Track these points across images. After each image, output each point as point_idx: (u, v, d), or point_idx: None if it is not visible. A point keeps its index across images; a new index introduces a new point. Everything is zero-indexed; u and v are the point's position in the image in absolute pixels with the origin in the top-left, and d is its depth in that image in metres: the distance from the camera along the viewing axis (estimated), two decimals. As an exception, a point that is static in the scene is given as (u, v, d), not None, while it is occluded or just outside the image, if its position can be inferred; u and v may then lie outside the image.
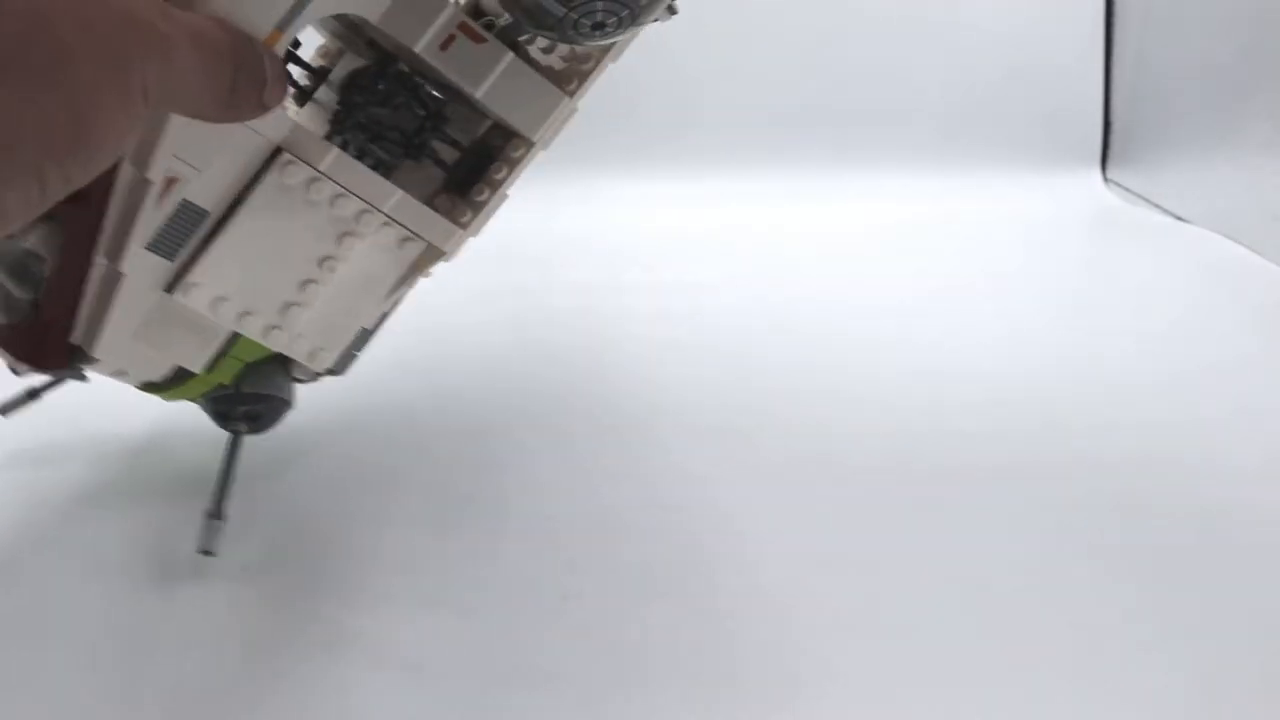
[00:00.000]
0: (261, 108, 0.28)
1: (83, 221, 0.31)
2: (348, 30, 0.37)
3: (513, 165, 0.37)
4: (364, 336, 0.39)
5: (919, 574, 0.41)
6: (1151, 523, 0.45)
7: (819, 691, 0.35)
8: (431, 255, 0.37)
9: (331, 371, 0.39)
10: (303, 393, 0.41)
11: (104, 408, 0.43)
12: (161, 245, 0.32)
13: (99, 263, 0.32)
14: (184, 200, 0.31)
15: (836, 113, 0.89)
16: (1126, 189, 0.90)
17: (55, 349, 0.34)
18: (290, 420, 0.41)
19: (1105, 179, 0.92)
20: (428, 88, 0.35)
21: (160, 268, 0.32)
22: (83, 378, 0.36)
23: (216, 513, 0.38)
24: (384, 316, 0.39)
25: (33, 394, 0.44)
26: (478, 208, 0.37)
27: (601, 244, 0.74)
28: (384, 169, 0.36)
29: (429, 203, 0.36)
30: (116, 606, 0.37)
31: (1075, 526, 0.45)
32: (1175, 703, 0.35)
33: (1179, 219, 0.83)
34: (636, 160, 0.84)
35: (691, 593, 0.40)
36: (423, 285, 0.39)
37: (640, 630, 0.37)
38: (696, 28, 0.85)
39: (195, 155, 0.31)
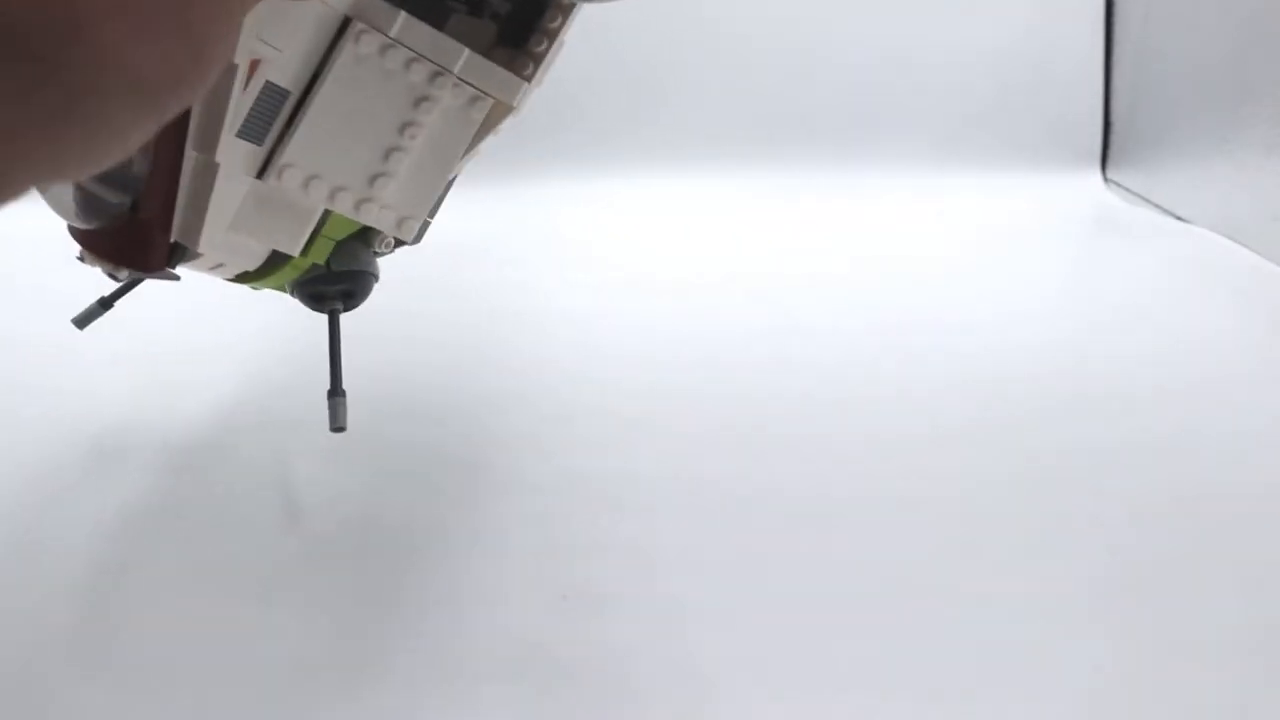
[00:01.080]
0: None
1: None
2: None
3: (566, 12, 0.37)
4: (438, 204, 0.39)
5: (916, 580, 0.41)
6: (1153, 527, 0.45)
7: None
8: (499, 112, 0.37)
9: (410, 241, 0.40)
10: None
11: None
12: (250, 130, 0.32)
13: (191, 155, 0.32)
14: (267, 82, 0.32)
15: (834, 112, 0.89)
16: (1126, 189, 0.90)
17: (158, 248, 0.34)
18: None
19: (1105, 179, 0.92)
20: None
21: (251, 153, 0.33)
22: (175, 278, 0.36)
23: (336, 390, 0.40)
24: (450, 184, 0.39)
25: (105, 304, 0.44)
26: (538, 58, 0.37)
27: (571, 243, 0.74)
28: (446, 28, 0.36)
29: (489, 58, 0.36)
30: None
31: (1077, 531, 0.45)
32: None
33: (1179, 219, 0.83)
34: (638, 157, 0.84)
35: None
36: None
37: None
38: (689, 22, 0.85)
39: (276, 35, 0.31)
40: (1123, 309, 0.70)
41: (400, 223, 0.38)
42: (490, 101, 0.36)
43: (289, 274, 0.38)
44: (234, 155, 0.32)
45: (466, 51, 0.35)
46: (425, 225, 0.39)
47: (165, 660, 0.36)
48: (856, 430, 0.52)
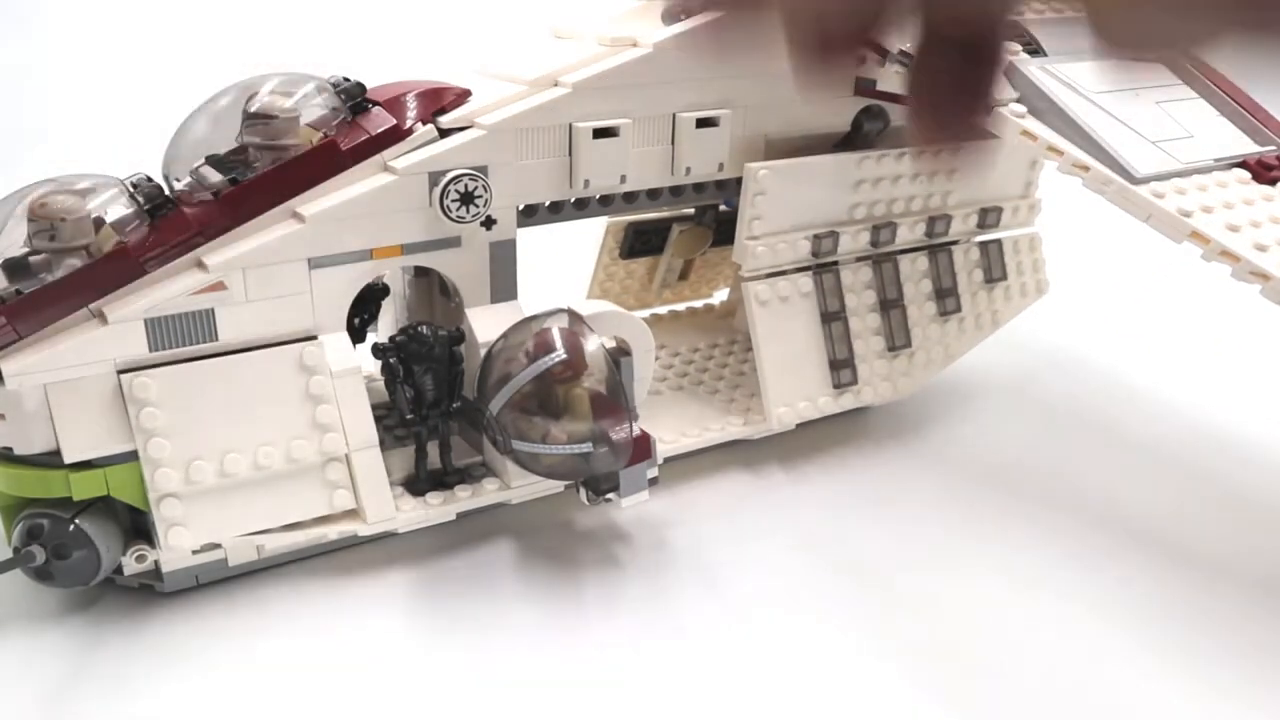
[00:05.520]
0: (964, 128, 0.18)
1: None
2: None
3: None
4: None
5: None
6: (1158, 542, 0.45)
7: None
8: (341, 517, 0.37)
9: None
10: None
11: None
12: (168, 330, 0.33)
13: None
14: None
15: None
16: (1126, 188, 0.89)
17: None
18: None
19: (1105, 178, 0.91)
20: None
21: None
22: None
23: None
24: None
25: None
26: (425, 507, 0.38)
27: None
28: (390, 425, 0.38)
29: (390, 478, 0.37)
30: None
31: (1081, 551, 0.45)
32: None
33: (1179, 219, 0.83)
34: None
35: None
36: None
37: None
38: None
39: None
40: (1122, 309, 0.70)
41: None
42: (328, 496, 0.36)
43: (34, 487, 0.34)
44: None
45: (376, 445, 0.36)
46: None
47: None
48: (841, 437, 0.52)
